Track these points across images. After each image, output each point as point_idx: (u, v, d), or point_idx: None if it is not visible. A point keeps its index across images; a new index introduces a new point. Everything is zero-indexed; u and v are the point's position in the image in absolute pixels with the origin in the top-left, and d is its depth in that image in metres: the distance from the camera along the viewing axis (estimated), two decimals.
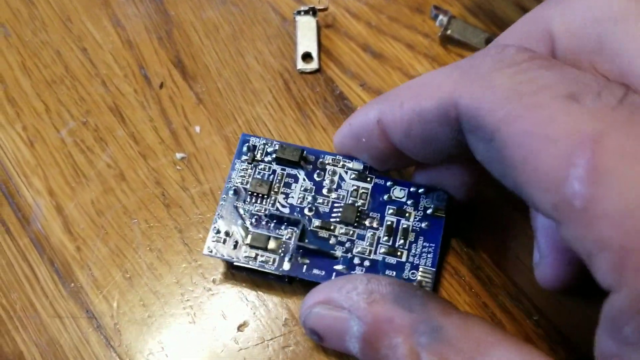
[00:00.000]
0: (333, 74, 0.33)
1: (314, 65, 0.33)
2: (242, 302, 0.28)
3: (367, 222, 0.28)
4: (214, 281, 0.29)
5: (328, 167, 0.29)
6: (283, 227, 0.28)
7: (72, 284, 0.29)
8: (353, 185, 0.29)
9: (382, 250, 0.27)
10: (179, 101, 0.32)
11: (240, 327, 0.28)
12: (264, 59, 0.34)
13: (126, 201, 0.30)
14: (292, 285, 0.28)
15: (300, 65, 0.33)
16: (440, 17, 0.33)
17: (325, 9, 0.34)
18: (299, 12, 0.34)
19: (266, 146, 0.29)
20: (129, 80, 0.33)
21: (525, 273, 0.29)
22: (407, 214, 0.28)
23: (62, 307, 0.28)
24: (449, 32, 0.33)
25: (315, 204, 0.28)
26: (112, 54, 0.34)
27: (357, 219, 0.28)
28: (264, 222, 0.28)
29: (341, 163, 0.29)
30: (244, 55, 0.34)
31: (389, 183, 0.29)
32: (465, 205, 0.28)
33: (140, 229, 0.30)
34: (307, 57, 0.33)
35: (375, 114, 0.25)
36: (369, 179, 0.29)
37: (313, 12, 0.34)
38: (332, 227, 0.28)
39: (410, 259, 0.27)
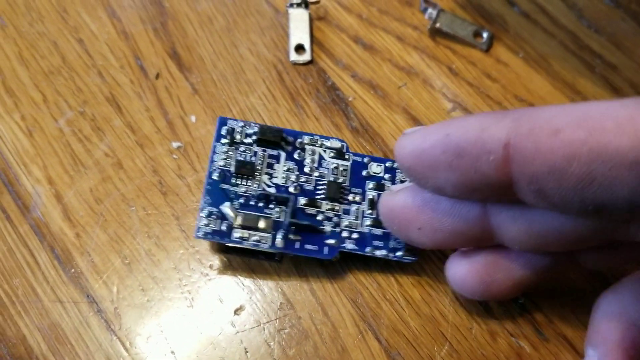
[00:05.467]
0: (325, 65, 0.34)
1: (306, 56, 0.34)
2: (239, 286, 0.29)
3: (350, 197, 0.29)
4: (210, 267, 0.29)
5: (307, 147, 0.30)
6: (271, 207, 0.29)
7: (72, 270, 0.29)
8: (333, 163, 0.30)
9: (368, 222, 0.29)
10: (175, 91, 0.33)
11: (236, 311, 0.29)
12: (258, 51, 0.34)
13: (124, 189, 0.31)
14: (282, 264, 0.29)
15: (293, 56, 0.34)
16: (430, 10, 0.34)
17: (317, 2, 0.35)
18: (291, 5, 0.35)
19: (245, 128, 0.30)
20: (125, 71, 0.34)
21: None
22: (386, 188, 0.30)
23: (63, 292, 0.29)
24: (437, 24, 0.34)
25: (300, 182, 0.29)
26: (108, 45, 0.34)
27: (340, 195, 0.29)
28: (252, 203, 0.29)
29: (319, 142, 0.30)
30: (238, 47, 0.34)
31: (365, 159, 0.30)
32: None
33: (138, 216, 0.30)
34: (299, 48, 0.34)
35: (503, 133, 0.19)
36: (347, 157, 0.30)
37: (305, 4, 0.35)
38: (318, 204, 0.29)
39: None
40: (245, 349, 0.28)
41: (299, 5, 0.35)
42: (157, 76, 0.33)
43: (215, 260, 0.30)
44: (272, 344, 0.28)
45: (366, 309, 0.29)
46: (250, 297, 0.29)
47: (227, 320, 0.29)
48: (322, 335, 0.28)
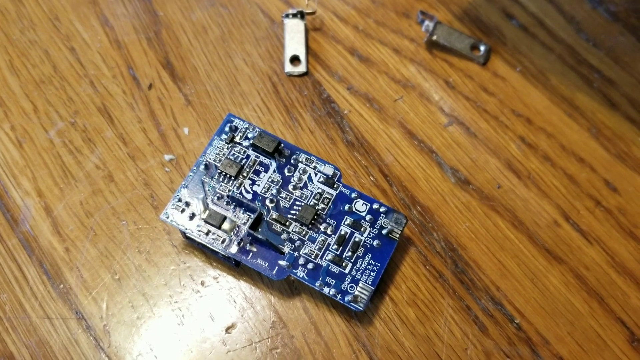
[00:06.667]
0: (321, 77, 0.34)
1: (302, 68, 0.34)
2: (230, 304, 0.29)
3: (322, 227, 0.28)
4: (202, 283, 0.29)
5: (300, 165, 0.29)
6: (241, 212, 0.28)
7: (62, 285, 0.29)
8: (319, 188, 0.29)
9: (329, 257, 0.28)
10: (168, 103, 0.33)
11: (228, 329, 0.28)
12: (253, 62, 0.34)
13: (115, 203, 0.30)
14: (240, 267, 0.29)
15: (289, 68, 0.34)
16: (427, 22, 0.34)
17: (313, 13, 0.34)
18: (287, 15, 0.34)
19: (247, 131, 0.30)
20: (117, 81, 0.33)
21: (507, 278, 0.29)
22: (362, 229, 0.28)
23: (52, 308, 0.28)
24: (434, 37, 0.34)
25: (278, 197, 0.29)
26: (100, 54, 0.34)
27: (312, 221, 0.28)
28: (224, 202, 0.28)
29: (313, 164, 0.29)
30: (233, 58, 0.34)
31: (353, 195, 0.29)
32: None
33: (129, 231, 0.30)
34: (295, 60, 0.34)
35: None
36: (335, 186, 0.29)
37: (301, 15, 0.34)
38: (287, 223, 0.28)
39: (353, 272, 0.28)
40: None
41: (294, 15, 0.34)
42: (150, 87, 0.33)
43: (207, 277, 0.29)
44: None
45: (360, 328, 0.28)
46: (242, 315, 0.28)
47: (219, 338, 0.28)
48: (315, 355, 0.28)
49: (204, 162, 0.29)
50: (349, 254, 0.28)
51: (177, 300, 0.29)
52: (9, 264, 0.29)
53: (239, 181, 0.29)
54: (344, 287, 0.27)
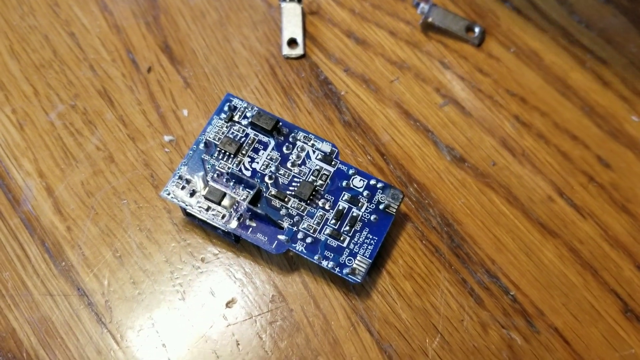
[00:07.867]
0: (318, 59, 0.34)
1: (299, 50, 0.34)
2: (230, 279, 0.29)
3: (320, 202, 0.29)
4: (202, 260, 0.29)
5: (298, 142, 0.30)
6: (241, 188, 0.29)
7: (63, 263, 0.29)
8: (317, 165, 0.29)
9: (327, 231, 0.28)
10: (167, 85, 0.33)
11: (228, 304, 0.29)
12: (250, 45, 0.34)
13: (115, 182, 0.31)
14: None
15: (286, 50, 0.34)
16: (422, 4, 0.34)
17: None
18: None
19: (246, 110, 0.30)
20: (117, 64, 0.34)
21: (502, 252, 0.30)
22: (359, 204, 0.29)
23: (54, 286, 0.29)
24: (429, 19, 0.34)
25: (277, 174, 0.29)
26: (99, 39, 0.34)
27: (311, 197, 0.29)
28: (224, 179, 0.29)
29: (311, 142, 0.30)
30: (231, 41, 0.34)
31: (351, 171, 0.29)
32: None
33: (129, 210, 0.30)
34: (292, 42, 0.34)
35: None
36: (333, 163, 0.30)
37: None
38: (285, 199, 0.29)
39: (351, 246, 0.28)
40: (237, 341, 0.28)
41: None
42: (149, 70, 0.33)
43: (207, 254, 0.29)
44: (263, 336, 0.28)
45: (358, 301, 0.29)
46: (242, 290, 0.29)
47: (219, 313, 0.28)
48: (314, 327, 0.28)
49: (204, 141, 0.30)
50: (347, 228, 0.28)
51: (178, 277, 0.29)
52: (11, 243, 0.30)
53: (238, 159, 0.29)
54: (342, 260, 0.28)
